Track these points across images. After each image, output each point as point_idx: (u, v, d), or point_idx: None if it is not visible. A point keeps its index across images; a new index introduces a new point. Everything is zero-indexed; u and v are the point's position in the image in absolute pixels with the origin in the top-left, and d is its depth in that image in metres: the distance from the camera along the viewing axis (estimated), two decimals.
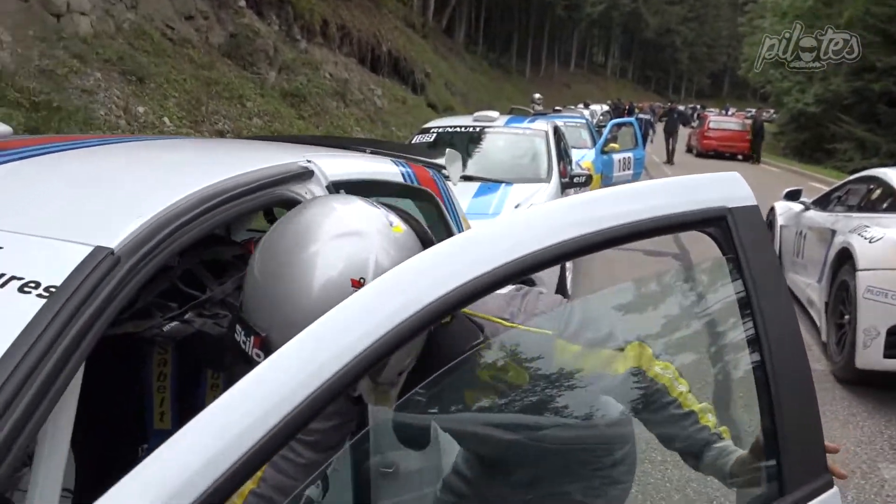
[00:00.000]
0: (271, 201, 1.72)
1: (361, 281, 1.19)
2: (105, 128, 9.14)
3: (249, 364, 1.07)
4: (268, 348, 1.16)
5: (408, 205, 2.70)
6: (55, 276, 1.09)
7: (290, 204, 1.76)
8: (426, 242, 1.32)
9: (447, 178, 2.90)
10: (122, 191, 1.41)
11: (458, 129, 7.50)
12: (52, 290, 1.07)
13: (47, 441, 1.11)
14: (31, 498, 1.09)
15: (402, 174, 2.46)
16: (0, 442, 0.92)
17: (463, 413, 1.47)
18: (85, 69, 9.40)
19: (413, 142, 7.44)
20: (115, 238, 1.18)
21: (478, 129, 7.40)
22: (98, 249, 1.15)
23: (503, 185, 6.28)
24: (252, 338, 1.20)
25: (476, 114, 7.69)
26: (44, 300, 1.05)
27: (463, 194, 6.00)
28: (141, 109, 9.84)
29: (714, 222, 1.22)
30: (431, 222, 2.69)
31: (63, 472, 1.12)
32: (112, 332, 1.38)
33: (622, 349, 1.43)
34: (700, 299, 1.64)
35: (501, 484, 1.58)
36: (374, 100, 18.35)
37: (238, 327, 1.22)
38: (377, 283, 1.04)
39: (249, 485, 1.34)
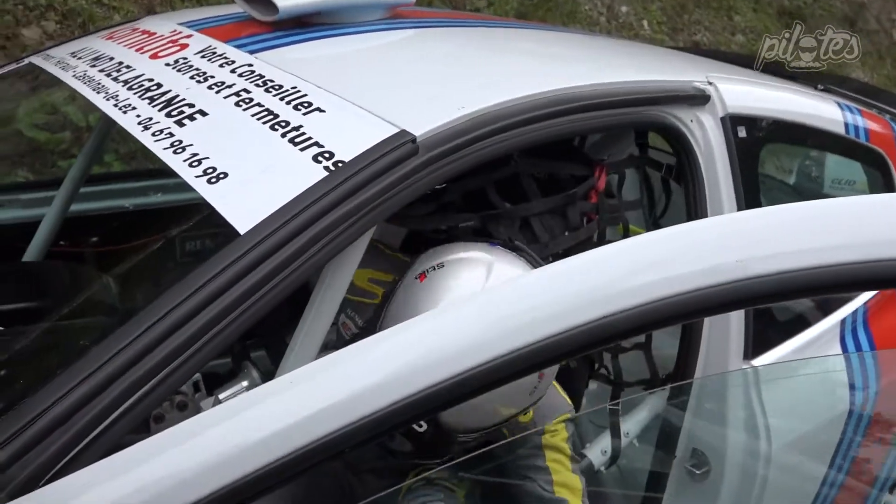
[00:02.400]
0: (641, 122, 1.46)
1: None
2: (585, 22, 9.36)
3: None
4: None
5: (849, 165, 2.15)
6: (349, 151, 1.04)
7: (668, 130, 1.47)
8: None
9: None
10: (459, 77, 1.30)
11: None
12: (340, 164, 1.03)
13: (318, 298, 1.12)
14: (298, 335, 1.12)
15: (846, 124, 1.91)
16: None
17: None
18: None
19: None
20: (423, 126, 1.09)
21: None
22: (401, 134, 1.07)
23: None
24: None
25: None
26: (327, 174, 1.01)
27: None
28: (623, 9, 9.79)
29: None
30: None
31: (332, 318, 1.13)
32: (419, 227, 1.33)
33: None
34: None
35: None
36: (893, 32, 15.44)
37: None
38: None
39: None
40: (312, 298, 1.12)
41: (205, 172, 1.04)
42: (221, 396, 1.32)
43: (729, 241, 0.90)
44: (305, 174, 1.01)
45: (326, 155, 1.04)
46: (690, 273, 0.85)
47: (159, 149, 1.10)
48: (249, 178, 1.03)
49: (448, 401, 0.80)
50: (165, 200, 2.21)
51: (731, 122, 1.52)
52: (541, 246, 1.37)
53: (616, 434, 1.57)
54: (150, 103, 1.22)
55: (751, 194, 1.53)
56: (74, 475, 0.77)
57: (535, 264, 1.31)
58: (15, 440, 0.78)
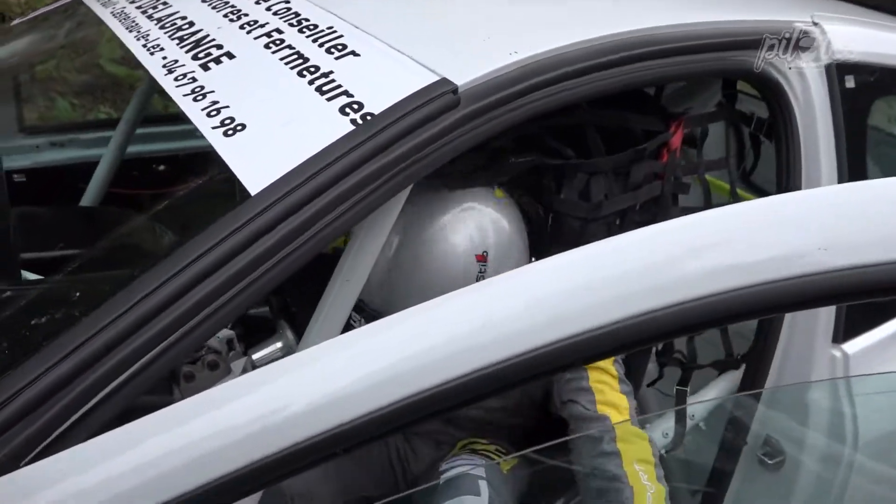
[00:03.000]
0: (727, 70, 1.27)
1: (485, 255, 1.15)
2: None
3: None
4: None
5: None
6: (381, 101, 0.92)
7: (760, 80, 1.28)
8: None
9: None
10: (513, 17, 1.14)
11: None
12: (368, 118, 0.91)
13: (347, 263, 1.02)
14: (325, 301, 1.03)
15: None
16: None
17: None
18: None
19: None
20: (467, 73, 0.96)
21: None
22: (440, 83, 0.94)
23: None
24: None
25: None
26: (353, 128, 0.90)
27: None
28: None
29: None
30: None
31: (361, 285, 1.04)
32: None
33: None
34: None
35: None
36: None
37: (354, 314, 1.13)
38: None
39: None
40: (340, 263, 1.03)
41: (222, 123, 0.94)
42: (255, 357, 1.26)
43: (814, 223, 0.75)
44: (330, 128, 0.90)
45: (355, 106, 0.93)
46: (760, 261, 0.71)
47: (179, 95, 1.01)
48: (269, 131, 0.93)
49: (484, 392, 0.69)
50: None
51: (838, 70, 1.31)
52: (591, 206, 1.22)
53: (681, 416, 1.43)
54: (178, 44, 1.13)
55: (856, 158, 1.33)
56: (62, 455, 0.72)
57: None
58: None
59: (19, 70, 2.09)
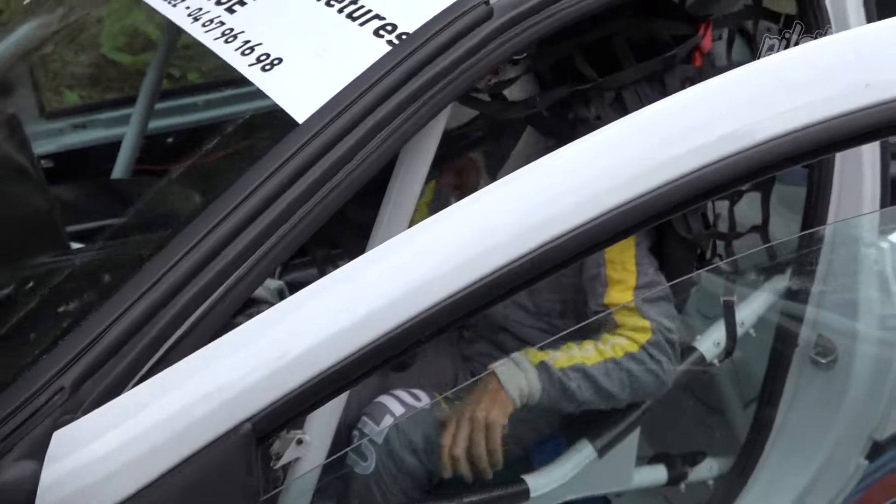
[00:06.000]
0: None
1: None
2: None
3: None
4: None
5: None
6: (414, 20, 0.92)
7: None
8: None
9: None
10: None
11: None
12: (404, 36, 0.90)
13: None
14: (377, 231, 1.05)
15: None
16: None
17: None
18: None
19: None
20: None
21: None
22: None
23: None
24: None
25: None
26: (390, 48, 0.90)
27: None
28: None
29: None
30: None
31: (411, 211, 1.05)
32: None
33: None
34: None
35: None
36: None
37: None
38: None
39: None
40: (388, 190, 1.03)
41: (258, 60, 0.94)
42: None
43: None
44: (367, 51, 0.90)
45: (388, 27, 0.92)
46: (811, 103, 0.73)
47: (210, 39, 1.01)
48: (306, 61, 0.93)
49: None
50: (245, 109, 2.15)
51: None
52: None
53: (731, 324, 1.43)
54: None
55: None
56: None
57: None
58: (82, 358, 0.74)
59: (33, 57, 2.08)
